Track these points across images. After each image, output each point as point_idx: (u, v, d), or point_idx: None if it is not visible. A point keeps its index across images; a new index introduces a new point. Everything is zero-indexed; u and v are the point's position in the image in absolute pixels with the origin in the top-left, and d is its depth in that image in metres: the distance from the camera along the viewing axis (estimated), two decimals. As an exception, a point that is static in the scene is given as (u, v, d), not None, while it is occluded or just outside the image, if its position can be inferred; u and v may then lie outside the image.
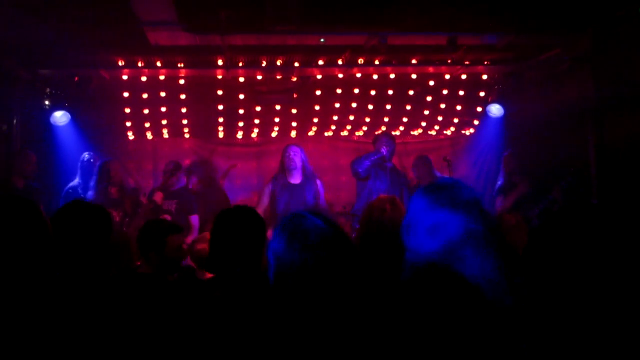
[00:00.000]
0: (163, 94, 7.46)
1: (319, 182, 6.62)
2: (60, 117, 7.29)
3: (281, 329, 1.74)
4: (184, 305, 2.62)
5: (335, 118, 8.38)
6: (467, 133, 9.12)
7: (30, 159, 6.59)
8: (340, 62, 7.00)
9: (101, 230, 2.56)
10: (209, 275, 4.16)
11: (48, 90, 7.25)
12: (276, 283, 1.80)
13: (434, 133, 9.12)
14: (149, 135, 8.39)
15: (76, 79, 7.04)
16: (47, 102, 7.29)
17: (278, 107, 7.94)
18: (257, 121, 8.34)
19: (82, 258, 2.43)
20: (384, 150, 6.49)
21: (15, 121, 7.04)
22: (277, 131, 8.68)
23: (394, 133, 8.38)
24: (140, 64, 6.86)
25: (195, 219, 6.61)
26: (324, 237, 1.78)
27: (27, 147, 6.86)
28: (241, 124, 8.38)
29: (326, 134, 8.95)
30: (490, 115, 8.05)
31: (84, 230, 2.49)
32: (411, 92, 7.86)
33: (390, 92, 7.81)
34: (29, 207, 2.02)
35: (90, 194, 6.46)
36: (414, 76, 7.64)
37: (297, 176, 6.53)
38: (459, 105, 8.24)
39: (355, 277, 1.80)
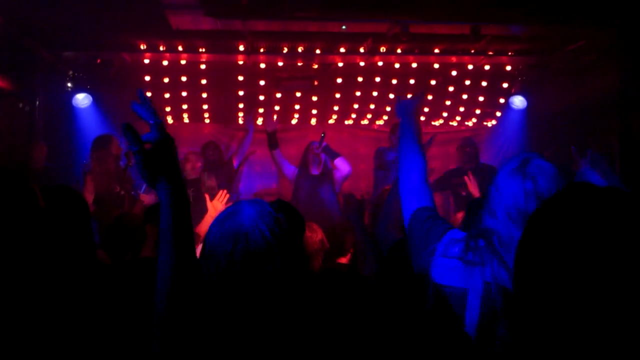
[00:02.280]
0: (184, 78, 7.48)
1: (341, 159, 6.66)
2: (82, 99, 7.36)
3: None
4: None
5: (356, 106, 8.34)
6: (489, 124, 9.02)
7: (41, 149, 6.57)
8: (361, 50, 6.94)
9: (74, 214, 2.51)
10: None
11: (70, 72, 7.31)
12: (203, 267, 1.70)
13: (455, 124, 9.04)
14: (169, 120, 8.41)
15: (98, 61, 7.08)
16: (69, 84, 7.35)
17: (298, 94, 7.92)
18: (277, 107, 8.33)
19: (63, 242, 2.39)
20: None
21: (37, 102, 7.09)
22: (297, 118, 8.66)
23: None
24: (161, 48, 6.86)
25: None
26: (238, 232, 1.63)
27: (39, 137, 6.88)
28: (261, 110, 8.37)
29: (346, 122, 8.91)
30: (513, 106, 7.96)
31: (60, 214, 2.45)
32: (433, 82, 7.79)
33: (412, 81, 7.73)
34: (10, 177, 1.99)
35: (88, 163, 6.44)
36: (436, 65, 7.56)
37: (317, 169, 6.59)
38: (481, 96, 8.15)
39: (259, 285, 1.64)
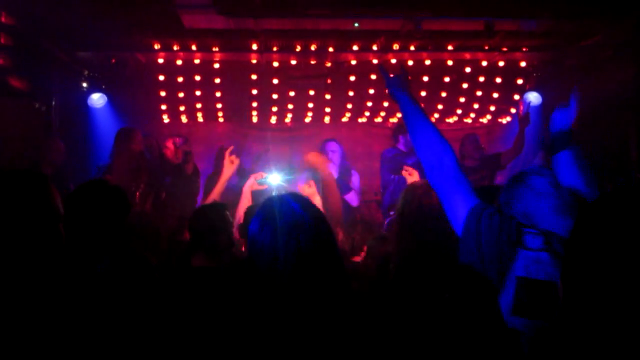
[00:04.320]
0: (197, 78, 7.52)
1: (354, 174, 6.61)
2: (97, 99, 7.43)
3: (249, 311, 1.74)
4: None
5: (369, 104, 8.32)
6: (504, 121, 8.96)
7: (58, 147, 6.51)
8: (374, 48, 6.92)
9: (114, 210, 2.50)
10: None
11: (86, 72, 7.37)
12: (249, 264, 1.78)
13: (469, 121, 8.97)
14: (184, 119, 8.46)
15: (113, 61, 7.13)
16: (84, 84, 7.42)
17: (312, 92, 7.91)
18: (290, 106, 8.33)
19: (95, 239, 2.39)
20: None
21: (53, 102, 7.18)
22: (311, 116, 8.66)
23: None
24: (175, 47, 6.90)
25: None
26: (296, 222, 1.73)
27: (55, 135, 6.92)
28: (274, 109, 8.38)
29: (360, 120, 8.89)
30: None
31: (96, 210, 2.44)
32: (446, 79, 7.75)
33: (425, 79, 7.71)
34: (34, 180, 2.00)
35: (107, 161, 6.38)
36: (449, 62, 7.53)
37: (333, 171, 6.56)
38: (496, 92, 8.09)
39: (327, 266, 1.74)
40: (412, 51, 7.09)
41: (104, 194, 2.54)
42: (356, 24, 6.42)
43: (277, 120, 8.71)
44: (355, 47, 6.93)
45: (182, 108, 8.20)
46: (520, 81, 7.90)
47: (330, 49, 6.98)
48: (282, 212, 1.76)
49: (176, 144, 6.74)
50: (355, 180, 6.75)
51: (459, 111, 8.60)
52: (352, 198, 6.49)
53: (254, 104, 8.19)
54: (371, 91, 7.91)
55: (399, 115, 8.53)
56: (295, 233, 1.71)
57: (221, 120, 8.69)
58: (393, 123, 8.88)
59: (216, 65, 7.42)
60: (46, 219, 1.95)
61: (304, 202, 1.81)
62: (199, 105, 8.16)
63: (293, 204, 1.78)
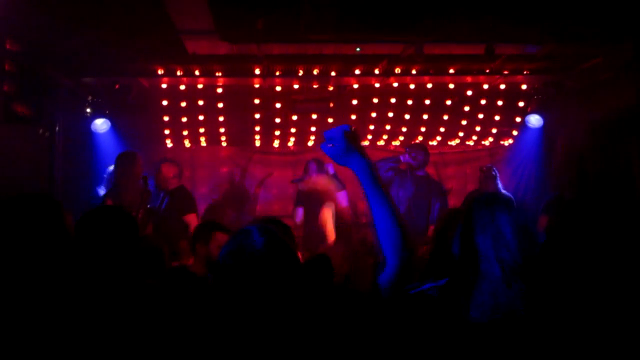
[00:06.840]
0: (201, 102, 7.56)
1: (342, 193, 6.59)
2: (100, 125, 7.44)
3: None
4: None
5: (372, 127, 8.35)
6: (506, 143, 8.98)
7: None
8: (376, 71, 6.96)
9: (124, 235, 2.48)
10: None
11: (89, 97, 7.39)
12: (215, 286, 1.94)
13: (471, 143, 9.00)
14: (187, 143, 8.47)
15: (117, 86, 7.16)
16: (88, 110, 7.43)
17: (314, 116, 7.94)
18: (293, 130, 8.36)
19: (105, 262, 2.36)
20: (402, 157, 6.51)
21: (57, 128, 7.18)
22: (314, 140, 8.68)
23: (430, 143, 8.32)
24: (178, 73, 6.95)
25: (191, 218, 6.20)
26: (254, 255, 1.86)
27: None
28: (277, 133, 8.41)
29: (362, 144, 8.89)
30: (529, 125, 7.91)
31: (106, 235, 2.42)
32: (448, 102, 7.79)
33: (427, 102, 7.75)
34: (45, 204, 2.02)
35: (107, 186, 6.37)
36: (451, 85, 7.57)
37: (342, 199, 6.56)
38: (498, 115, 8.12)
39: (282, 299, 1.86)
40: (414, 75, 7.12)
41: (116, 220, 2.53)
42: (358, 49, 6.47)
43: (280, 144, 8.73)
44: (357, 71, 6.97)
45: (185, 132, 8.24)
46: (521, 104, 7.93)
47: (333, 73, 7.02)
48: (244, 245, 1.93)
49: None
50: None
51: (461, 134, 8.63)
52: (343, 197, 6.49)
53: (257, 128, 8.23)
54: (373, 114, 7.94)
55: (402, 138, 8.55)
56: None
57: (224, 144, 8.71)
58: (395, 146, 8.90)
59: (219, 90, 7.46)
60: (58, 241, 1.97)
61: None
62: (202, 130, 8.19)
63: (256, 238, 1.92)
